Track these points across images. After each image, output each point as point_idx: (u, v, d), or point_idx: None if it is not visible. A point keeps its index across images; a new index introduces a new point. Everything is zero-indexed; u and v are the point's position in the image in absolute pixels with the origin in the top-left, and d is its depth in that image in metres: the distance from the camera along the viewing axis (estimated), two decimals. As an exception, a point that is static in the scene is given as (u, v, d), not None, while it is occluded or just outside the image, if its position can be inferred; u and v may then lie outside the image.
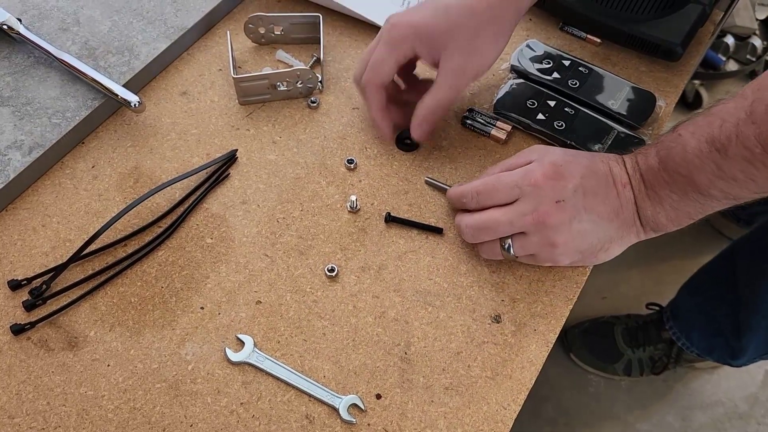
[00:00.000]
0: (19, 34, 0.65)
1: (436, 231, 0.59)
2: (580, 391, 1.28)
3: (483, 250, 0.56)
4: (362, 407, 0.50)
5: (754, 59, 1.68)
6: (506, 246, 0.54)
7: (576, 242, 0.53)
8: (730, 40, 1.68)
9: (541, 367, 0.53)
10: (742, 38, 1.70)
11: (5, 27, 0.65)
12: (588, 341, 1.28)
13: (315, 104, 0.67)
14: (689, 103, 1.64)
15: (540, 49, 0.70)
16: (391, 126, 0.62)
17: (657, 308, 1.25)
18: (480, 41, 0.57)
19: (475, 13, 0.56)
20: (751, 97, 0.45)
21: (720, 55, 1.67)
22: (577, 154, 0.56)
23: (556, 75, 0.67)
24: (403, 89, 0.65)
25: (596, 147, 0.62)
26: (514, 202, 0.53)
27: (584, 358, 1.28)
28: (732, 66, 1.70)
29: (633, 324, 1.26)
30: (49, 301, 0.54)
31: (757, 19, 1.72)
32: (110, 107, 0.65)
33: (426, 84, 0.62)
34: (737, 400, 1.28)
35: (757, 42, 1.69)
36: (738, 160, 0.46)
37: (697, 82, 1.64)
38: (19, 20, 0.66)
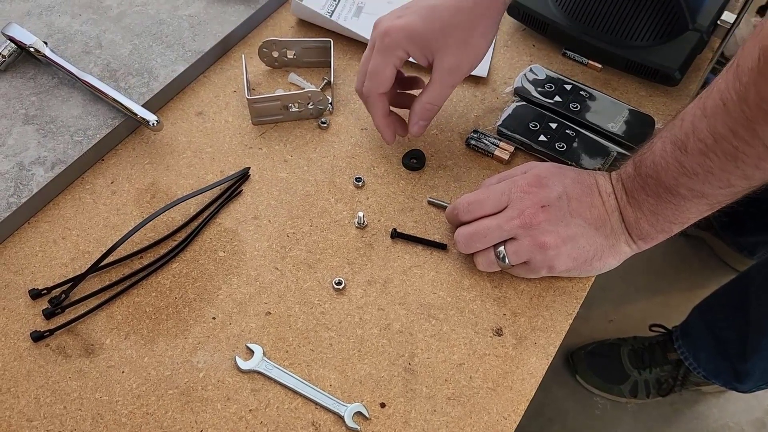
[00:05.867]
0: (45, 56, 0.69)
1: (440, 247, 0.61)
2: (586, 414, 1.28)
3: (479, 261, 0.58)
4: (367, 415, 0.52)
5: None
6: (500, 255, 0.56)
7: (567, 246, 0.55)
8: (734, 67, 1.70)
9: (541, 379, 0.54)
10: (746, 66, 1.72)
11: (32, 50, 0.69)
12: (594, 363, 1.28)
13: (325, 125, 0.69)
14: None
15: (542, 73, 0.72)
16: (393, 131, 0.64)
17: (661, 330, 1.25)
18: (472, 38, 0.58)
19: (463, 11, 0.57)
20: (705, 95, 0.48)
21: (725, 82, 1.69)
22: (565, 167, 0.59)
23: (557, 98, 0.70)
24: (398, 91, 0.67)
25: (596, 168, 0.64)
26: (503, 210, 0.56)
27: (590, 379, 1.28)
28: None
29: (639, 345, 1.26)
30: (67, 310, 0.56)
31: (761, 47, 1.74)
32: (129, 126, 0.68)
33: (415, 81, 0.66)
34: (744, 425, 1.28)
35: (761, 69, 1.71)
36: (695, 154, 0.48)
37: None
38: (45, 43, 0.70)
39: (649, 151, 0.53)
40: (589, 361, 1.29)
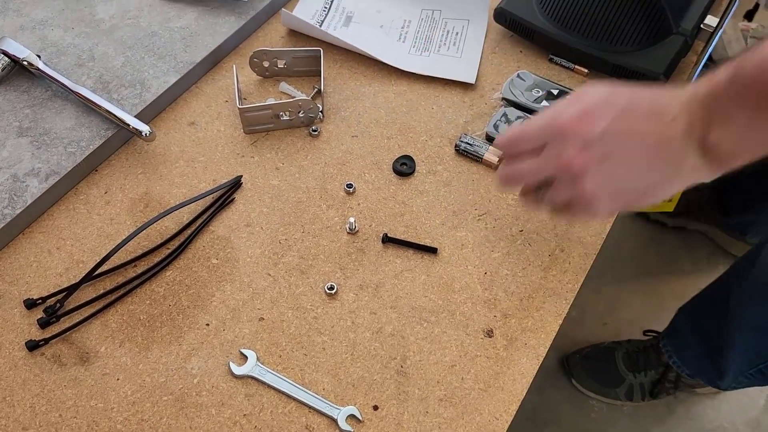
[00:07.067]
0: (38, 69, 0.70)
1: (431, 251, 0.62)
2: (581, 417, 1.28)
3: (523, 200, 0.55)
4: (360, 418, 0.52)
5: (747, 89, 1.72)
6: (541, 196, 0.53)
7: (608, 188, 0.50)
8: (723, 71, 1.72)
9: (531, 380, 0.55)
10: (735, 69, 1.74)
11: (26, 63, 0.70)
12: (589, 366, 1.29)
13: (316, 133, 0.70)
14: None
15: (530, 79, 0.73)
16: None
17: (654, 334, 1.26)
18: None
19: None
20: None
21: (714, 86, 1.71)
22: (618, 90, 0.50)
23: (545, 103, 0.71)
24: None
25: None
26: (542, 151, 0.51)
27: (585, 383, 1.28)
28: (726, 96, 1.73)
29: (633, 349, 1.27)
30: (62, 319, 0.57)
31: (749, 51, 1.76)
32: (122, 137, 0.68)
33: None
34: (739, 425, 1.28)
35: (749, 73, 1.73)
36: None
37: (692, 111, 1.67)
38: (39, 56, 0.70)
39: (756, 51, 0.45)
40: (584, 365, 1.29)
